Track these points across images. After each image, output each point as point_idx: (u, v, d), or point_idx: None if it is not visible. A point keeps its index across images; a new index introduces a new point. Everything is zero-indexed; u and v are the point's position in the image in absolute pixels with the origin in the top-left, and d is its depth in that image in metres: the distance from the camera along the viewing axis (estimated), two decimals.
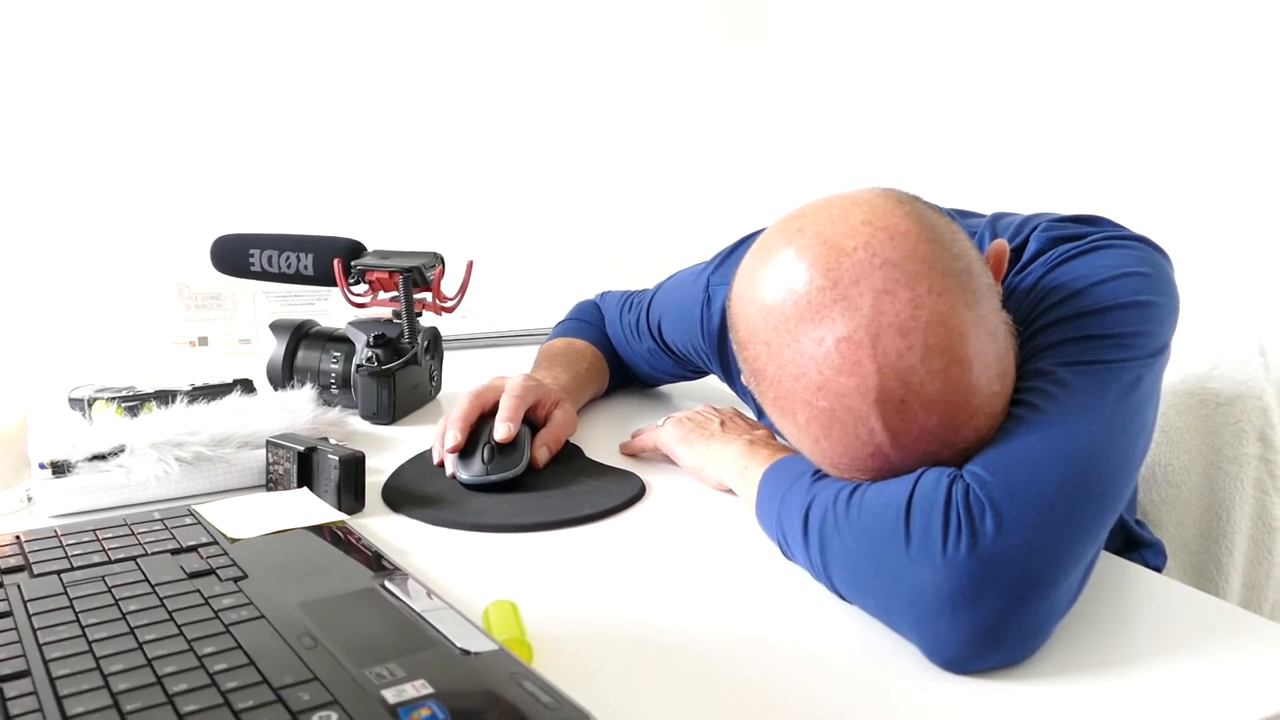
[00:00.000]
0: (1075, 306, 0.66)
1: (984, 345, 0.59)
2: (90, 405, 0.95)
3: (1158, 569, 0.95)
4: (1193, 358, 1.05)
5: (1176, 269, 0.72)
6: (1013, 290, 0.70)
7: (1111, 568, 0.69)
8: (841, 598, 0.62)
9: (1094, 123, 1.68)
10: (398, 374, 1.01)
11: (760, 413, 0.94)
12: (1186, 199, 1.55)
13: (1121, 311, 0.65)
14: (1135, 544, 0.94)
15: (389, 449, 0.94)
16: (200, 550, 0.64)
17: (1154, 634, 0.61)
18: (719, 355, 0.95)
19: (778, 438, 0.83)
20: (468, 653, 0.50)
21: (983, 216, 0.80)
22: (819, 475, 0.66)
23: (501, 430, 0.85)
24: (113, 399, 0.95)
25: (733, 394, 1.05)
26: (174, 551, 0.64)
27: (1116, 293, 0.66)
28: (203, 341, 1.37)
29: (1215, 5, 1.50)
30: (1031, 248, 0.72)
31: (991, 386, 0.59)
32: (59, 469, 0.78)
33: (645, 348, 1.07)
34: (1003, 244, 0.67)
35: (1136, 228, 0.74)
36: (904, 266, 0.58)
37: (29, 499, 0.79)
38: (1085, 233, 0.72)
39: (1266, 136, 1.44)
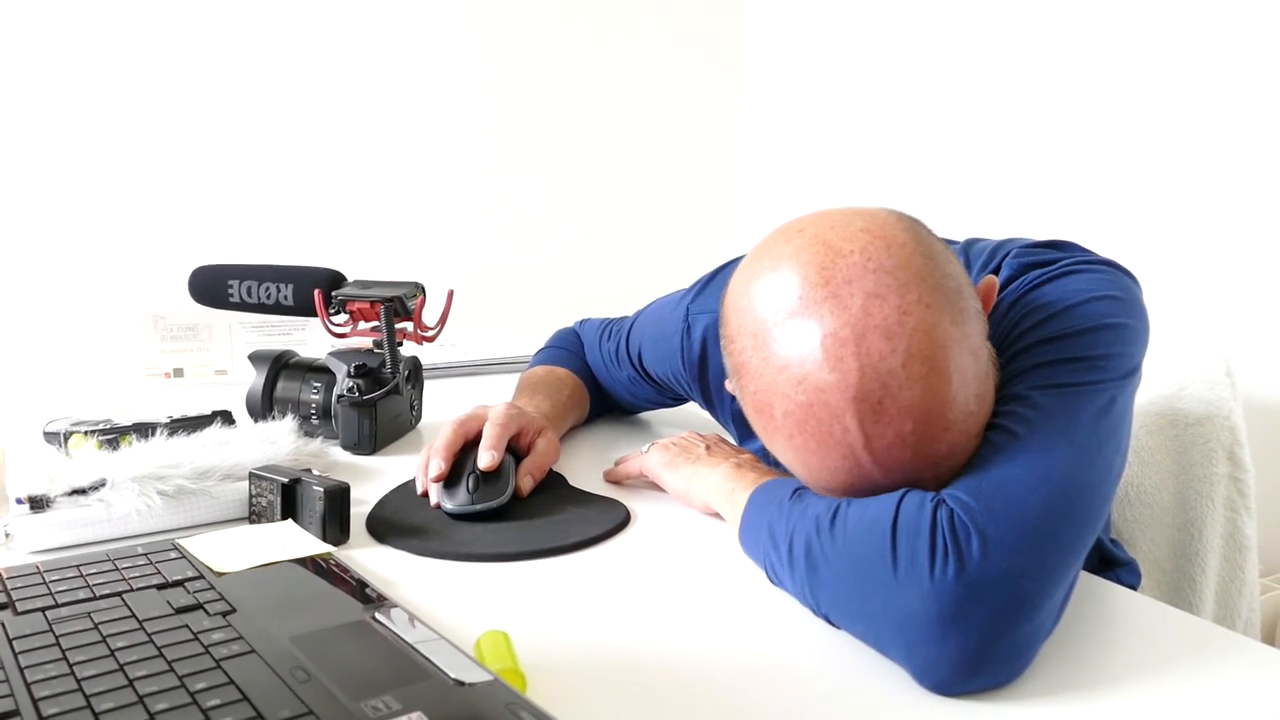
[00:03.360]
0: (1050, 330, 0.67)
1: (965, 362, 0.60)
2: (67, 439, 0.94)
3: (1132, 587, 0.96)
4: (1162, 378, 1.07)
5: (1144, 291, 0.74)
6: (1004, 303, 0.72)
7: (1090, 587, 0.71)
8: (829, 623, 0.62)
9: (1064, 147, 1.72)
10: (379, 404, 1.01)
11: (742, 437, 0.95)
12: (1152, 222, 1.59)
13: (1095, 334, 0.67)
14: (1110, 563, 0.95)
15: (371, 479, 0.94)
16: (187, 585, 0.64)
17: (1134, 653, 0.62)
18: (700, 383, 0.96)
19: (763, 461, 0.84)
20: (462, 684, 0.50)
21: (956, 243, 0.82)
22: (799, 495, 0.67)
23: (485, 459, 0.85)
24: (90, 432, 0.94)
25: (714, 421, 1.06)
26: (160, 586, 0.64)
27: (1089, 316, 0.67)
28: (178, 373, 1.36)
29: (1177, 38, 1.54)
30: (1004, 273, 0.74)
31: (969, 405, 0.61)
32: (37, 504, 0.77)
33: (625, 375, 1.08)
34: (993, 280, 0.69)
35: (1105, 251, 0.76)
36: (896, 274, 0.60)
37: (6, 535, 0.78)
38: (1056, 258, 0.74)
39: (1229, 163, 1.48)
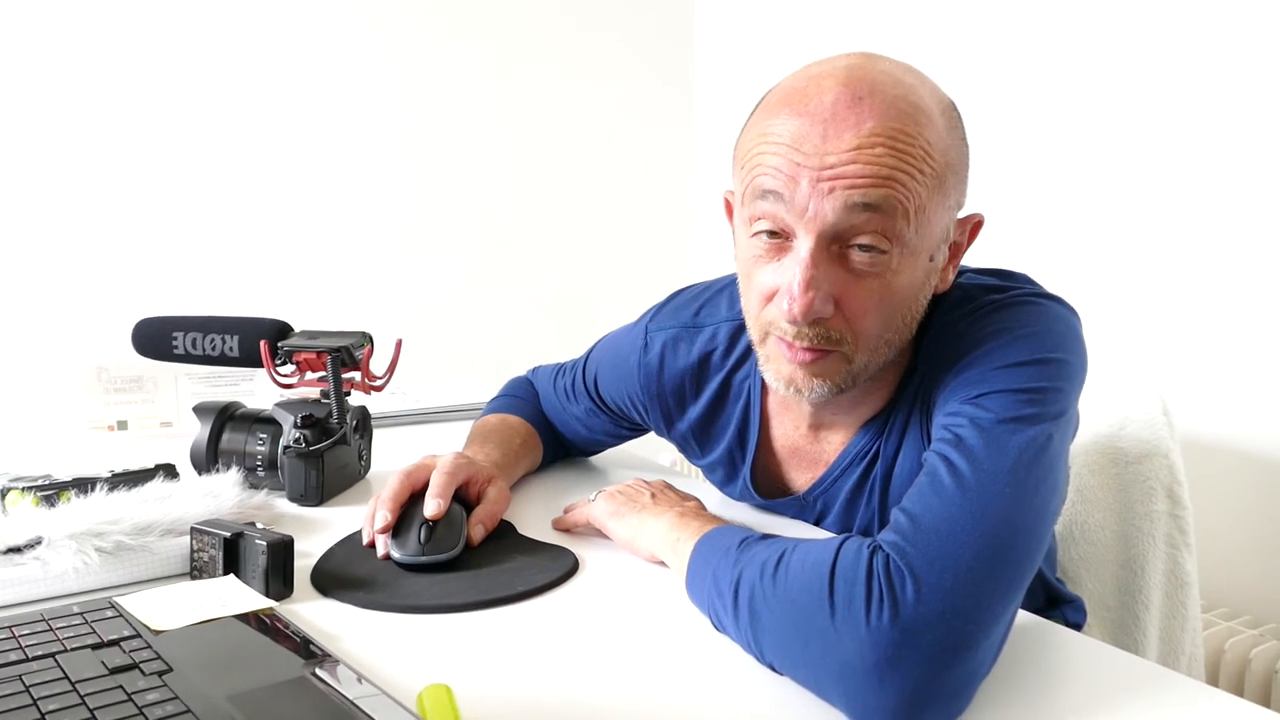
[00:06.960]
0: (1000, 358, 0.69)
1: (939, 139, 0.70)
2: (4, 495, 0.92)
3: (1078, 625, 0.97)
4: (1102, 418, 1.09)
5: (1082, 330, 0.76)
6: (951, 325, 0.74)
7: (1034, 628, 0.72)
8: (773, 670, 0.63)
9: (1001, 187, 1.76)
10: (326, 454, 1.00)
11: (703, 451, 0.95)
12: (1088, 264, 1.63)
13: (1041, 367, 0.68)
14: (1056, 601, 0.97)
15: (318, 531, 0.92)
16: (123, 644, 0.63)
17: (1077, 694, 0.63)
18: (658, 400, 0.96)
19: (707, 509, 0.85)
20: None
21: None
22: (745, 545, 0.67)
23: (431, 507, 0.84)
24: (28, 488, 0.92)
25: (664, 468, 1.06)
26: (95, 646, 0.62)
27: (1038, 348, 0.69)
28: (122, 425, 1.34)
29: (1113, 71, 1.59)
30: (956, 293, 0.77)
31: (923, 167, 0.69)
32: None
33: (582, 408, 1.08)
34: (981, 218, 0.78)
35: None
36: (911, 70, 0.73)
37: None
38: (1006, 286, 0.76)
39: (1163, 207, 1.52)
